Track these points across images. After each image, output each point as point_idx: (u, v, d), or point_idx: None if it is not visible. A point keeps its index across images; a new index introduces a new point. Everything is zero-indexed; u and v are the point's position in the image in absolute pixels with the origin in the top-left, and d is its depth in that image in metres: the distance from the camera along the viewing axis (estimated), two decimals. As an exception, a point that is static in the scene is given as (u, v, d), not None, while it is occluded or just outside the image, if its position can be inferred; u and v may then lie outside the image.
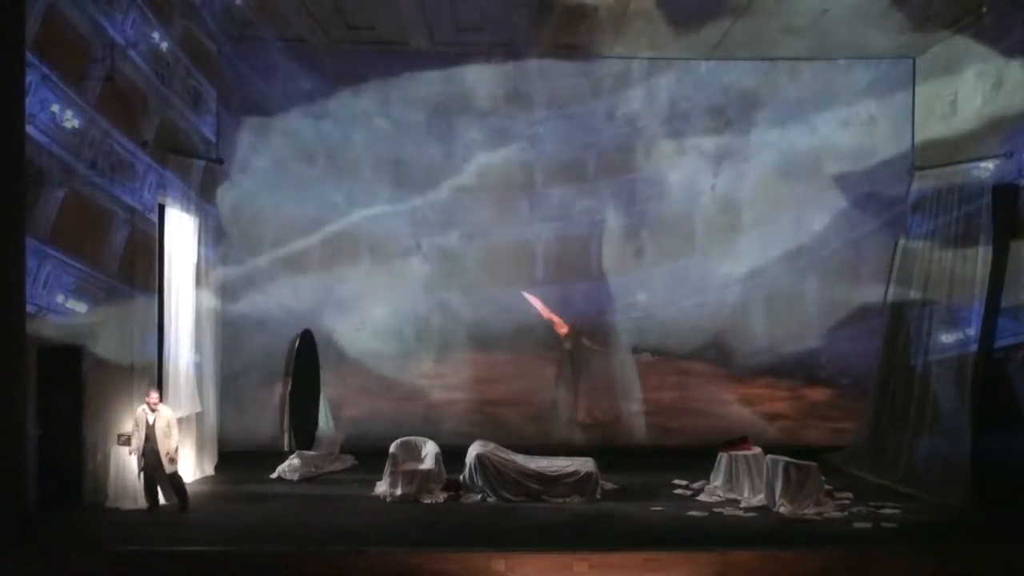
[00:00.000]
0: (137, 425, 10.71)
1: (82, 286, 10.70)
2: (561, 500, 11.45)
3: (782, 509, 10.91)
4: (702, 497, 11.73)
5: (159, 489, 10.89)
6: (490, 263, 14.92)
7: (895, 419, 13.42)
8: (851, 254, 14.90)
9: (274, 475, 12.76)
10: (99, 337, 10.94)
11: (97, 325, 10.90)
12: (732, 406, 14.84)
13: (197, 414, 12.65)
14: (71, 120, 10.34)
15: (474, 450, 11.91)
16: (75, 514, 10.40)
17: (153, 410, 10.76)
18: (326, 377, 14.35)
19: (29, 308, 9.72)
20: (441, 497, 11.61)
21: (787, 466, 11.10)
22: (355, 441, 14.12)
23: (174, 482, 10.91)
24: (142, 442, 10.66)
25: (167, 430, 10.77)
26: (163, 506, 10.88)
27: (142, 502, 10.80)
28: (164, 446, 10.71)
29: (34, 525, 9.63)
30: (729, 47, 14.25)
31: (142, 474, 10.73)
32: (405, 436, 12.46)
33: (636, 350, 14.40)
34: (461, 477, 11.80)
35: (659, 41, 14.06)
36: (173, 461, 10.81)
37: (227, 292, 14.22)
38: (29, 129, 9.62)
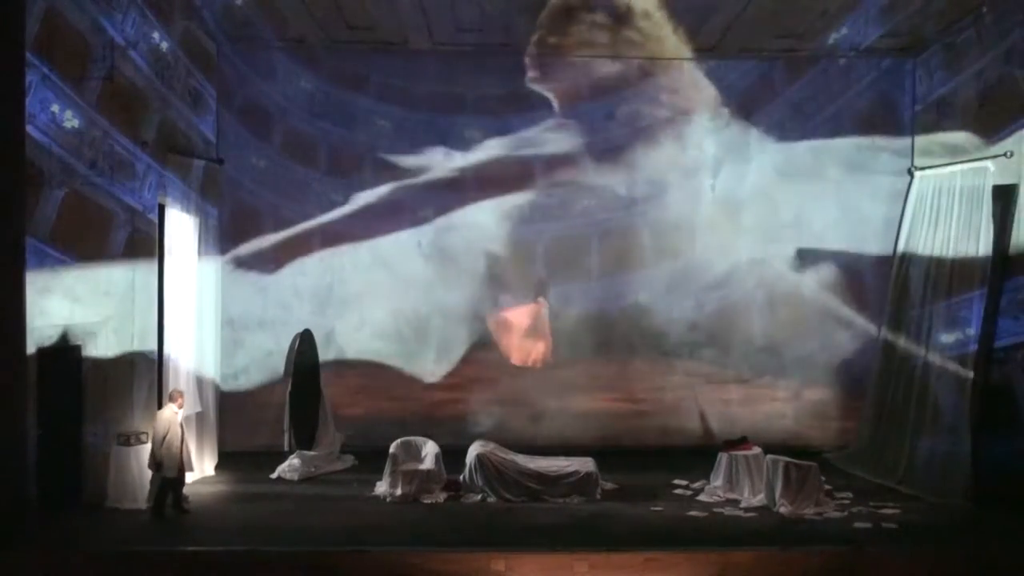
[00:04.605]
0: (170, 428, 10.57)
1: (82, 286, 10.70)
2: (561, 500, 11.46)
3: (782, 509, 10.92)
4: (702, 497, 11.73)
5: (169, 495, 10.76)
6: (490, 263, 14.90)
7: (895, 419, 13.42)
8: (851, 254, 14.87)
9: (274, 475, 12.75)
10: (99, 337, 10.93)
11: (97, 325, 10.90)
12: (732, 406, 14.82)
13: (197, 414, 12.66)
14: (71, 120, 10.35)
15: (474, 450, 11.92)
16: (75, 514, 10.38)
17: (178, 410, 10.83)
18: (326, 377, 14.33)
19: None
20: (441, 497, 11.62)
21: (787, 466, 11.11)
22: (355, 441, 14.12)
23: (178, 484, 10.87)
24: (179, 444, 10.61)
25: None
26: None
27: (142, 502, 10.76)
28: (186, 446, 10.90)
29: (34, 525, 9.63)
30: (729, 47, 14.25)
31: (163, 479, 10.57)
32: (405, 436, 12.48)
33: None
34: (461, 477, 11.81)
35: (659, 41, 14.06)
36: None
37: (227, 292, 14.21)
38: (29, 129, 9.64)
